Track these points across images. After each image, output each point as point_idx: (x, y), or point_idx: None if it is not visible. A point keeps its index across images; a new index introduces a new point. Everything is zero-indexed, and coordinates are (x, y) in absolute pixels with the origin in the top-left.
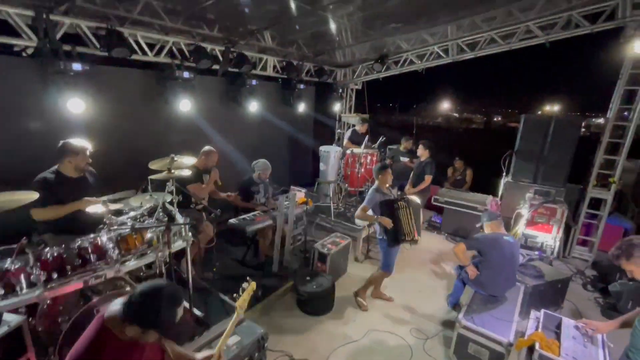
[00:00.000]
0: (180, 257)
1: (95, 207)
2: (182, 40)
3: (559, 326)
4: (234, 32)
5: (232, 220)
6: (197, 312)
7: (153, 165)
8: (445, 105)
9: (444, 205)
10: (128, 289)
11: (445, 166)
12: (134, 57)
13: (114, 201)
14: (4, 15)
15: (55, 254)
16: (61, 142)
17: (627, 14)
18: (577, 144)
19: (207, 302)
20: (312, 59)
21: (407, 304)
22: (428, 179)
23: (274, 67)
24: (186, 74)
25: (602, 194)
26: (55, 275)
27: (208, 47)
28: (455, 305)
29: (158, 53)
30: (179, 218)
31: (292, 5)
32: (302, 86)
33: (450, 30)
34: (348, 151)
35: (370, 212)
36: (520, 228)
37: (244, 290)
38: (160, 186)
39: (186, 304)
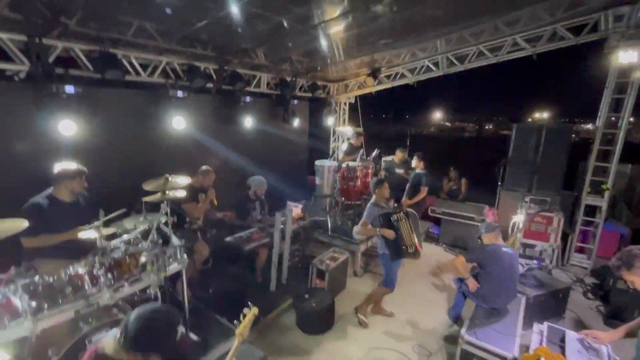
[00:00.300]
0: (175, 278)
1: (87, 233)
2: (175, 60)
3: (563, 339)
4: (227, 50)
5: (228, 239)
6: (193, 336)
7: (147, 186)
8: (437, 115)
9: (441, 217)
10: (122, 316)
11: (441, 176)
12: (128, 78)
13: (107, 224)
14: None
15: (46, 283)
16: (58, 166)
17: (610, 26)
18: (569, 152)
19: (203, 324)
20: (305, 75)
21: (409, 319)
22: (424, 190)
23: (268, 83)
24: (180, 93)
25: (596, 201)
26: (45, 305)
27: (202, 66)
28: (457, 319)
29: (152, 73)
30: (174, 240)
31: (284, 25)
32: (296, 102)
33: (439, 44)
34: (343, 165)
35: (370, 227)
36: (518, 238)
37: (244, 316)
38: (154, 206)
39: (182, 329)
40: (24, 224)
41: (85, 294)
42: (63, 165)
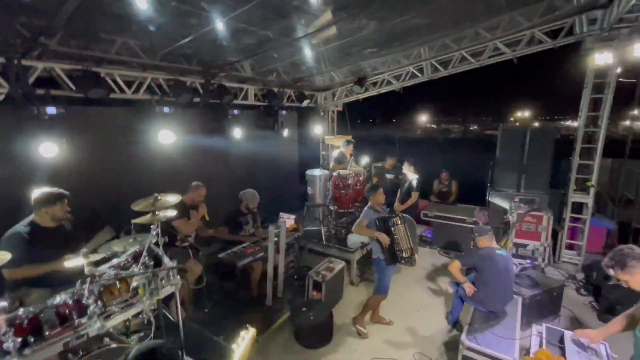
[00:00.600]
0: (168, 299)
1: (74, 261)
2: (160, 76)
3: (562, 340)
4: (213, 64)
5: (222, 255)
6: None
7: (136, 206)
8: (423, 118)
9: (433, 220)
10: (114, 345)
11: (430, 178)
12: (112, 96)
13: (95, 249)
14: None
15: (31, 316)
16: (37, 191)
17: (584, 29)
18: (554, 152)
19: (200, 346)
20: (292, 85)
21: (408, 326)
22: (415, 195)
23: (255, 95)
24: (166, 109)
25: (582, 198)
26: (31, 340)
27: (188, 80)
28: (456, 324)
29: (137, 90)
30: (167, 261)
31: (270, 37)
32: (284, 112)
33: (423, 51)
34: (335, 173)
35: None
36: (510, 238)
37: (243, 339)
38: (143, 227)
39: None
40: (5, 256)
41: (74, 325)
42: (42, 190)
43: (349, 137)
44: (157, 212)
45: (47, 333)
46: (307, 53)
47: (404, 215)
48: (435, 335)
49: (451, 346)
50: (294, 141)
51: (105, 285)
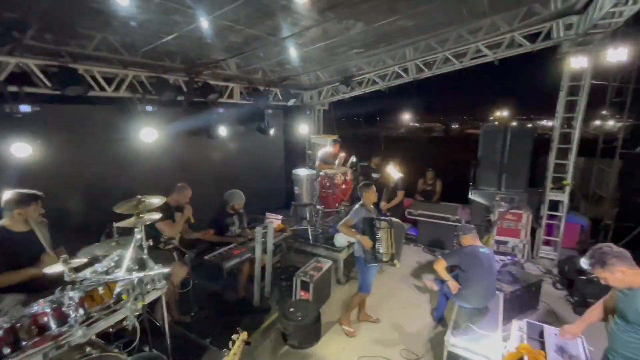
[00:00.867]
0: (153, 302)
1: (54, 267)
2: (142, 73)
3: (541, 335)
4: (198, 62)
5: (208, 257)
6: None
7: (118, 209)
8: (406, 116)
9: (418, 218)
10: (96, 353)
11: (414, 177)
12: (92, 93)
13: (73, 255)
14: None
15: (7, 326)
16: (8, 192)
17: (561, 34)
18: (532, 151)
19: (187, 350)
20: (278, 84)
21: (394, 323)
22: (400, 194)
23: (240, 93)
24: (149, 108)
25: (559, 196)
26: (7, 351)
27: (171, 78)
28: (441, 320)
29: (117, 88)
30: (152, 265)
31: (256, 37)
32: (270, 111)
33: (408, 52)
34: (322, 172)
35: (352, 228)
36: (492, 236)
37: (233, 342)
38: (125, 229)
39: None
40: None
41: (53, 334)
42: (14, 191)
43: (335, 137)
44: (141, 215)
45: (24, 343)
46: (294, 52)
47: (394, 220)
48: (421, 331)
49: (437, 342)
50: (280, 139)
51: (86, 292)
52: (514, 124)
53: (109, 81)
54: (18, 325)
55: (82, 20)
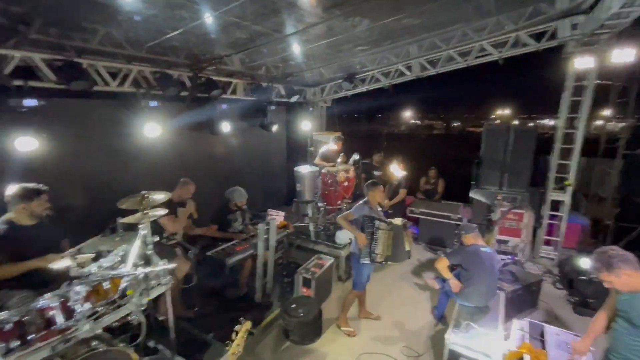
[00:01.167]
0: (156, 298)
1: (62, 262)
2: (146, 68)
3: (542, 334)
4: (202, 58)
5: (210, 253)
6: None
7: (123, 204)
8: (407, 114)
9: (419, 216)
10: (102, 347)
11: (416, 175)
12: (96, 88)
13: (79, 249)
14: None
15: (16, 319)
16: (13, 187)
17: (567, 33)
18: (534, 151)
19: (190, 345)
20: (281, 81)
21: (395, 320)
22: (403, 192)
23: (244, 89)
24: (153, 103)
25: (560, 196)
26: (16, 344)
27: (175, 73)
28: (441, 318)
29: (121, 83)
30: (157, 261)
31: (262, 33)
32: (272, 107)
33: (412, 49)
34: (324, 170)
35: (351, 223)
36: (494, 235)
37: (236, 333)
38: (129, 225)
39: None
40: None
41: (61, 328)
42: (19, 186)
43: (338, 134)
44: (146, 211)
45: (32, 337)
46: (298, 49)
47: (394, 223)
48: (422, 329)
49: (437, 340)
50: (283, 136)
51: (92, 286)
52: (516, 122)
53: (113, 76)
54: (26, 318)
55: (87, 14)
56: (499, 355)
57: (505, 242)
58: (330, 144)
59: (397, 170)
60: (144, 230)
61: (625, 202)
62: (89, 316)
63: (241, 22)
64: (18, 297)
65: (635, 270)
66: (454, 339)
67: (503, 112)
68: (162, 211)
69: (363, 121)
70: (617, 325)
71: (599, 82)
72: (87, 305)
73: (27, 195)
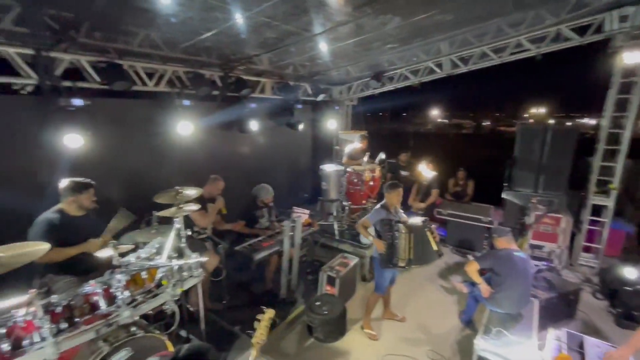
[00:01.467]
0: (187, 289)
1: (105, 251)
2: (180, 68)
3: (581, 346)
4: (232, 58)
5: (238, 248)
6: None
7: (158, 198)
8: (434, 112)
9: (448, 218)
10: (140, 333)
11: (445, 176)
12: (134, 88)
13: (118, 239)
14: (3, 54)
15: (65, 303)
16: (65, 180)
17: (615, 26)
18: (574, 153)
19: (217, 335)
20: (308, 79)
21: (420, 323)
22: (435, 193)
23: (272, 88)
24: (186, 102)
25: (603, 200)
26: (65, 326)
27: (206, 73)
28: (469, 323)
29: (157, 83)
30: (189, 254)
31: (292, 32)
32: (299, 106)
33: (443, 46)
34: (349, 169)
35: (371, 229)
36: (527, 240)
37: (259, 321)
38: (163, 218)
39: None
40: (44, 246)
41: (104, 313)
42: (70, 179)
43: (364, 132)
44: (181, 206)
45: (78, 319)
46: (326, 48)
47: (414, 224)
48: (448, 333)
49: (464, 345)
50: (309, 134)
51: (131, 275)
52: (552, 122)
53: (150, 76)
54: (73, 302)
55: (129, 19)
56: None
57: (539, 247)
58: (355, 143)
59: (425, 171)
60: (178, 224)
61: None
62: (129, 303)
63: (272, 22)
64: (63, 281)
65: None
66: (483, 345)
67: (537, 110)
68: (195, 206)
69: (388, 119)
70: None
71: None
72: (127, 293)
73: (77, 189)
